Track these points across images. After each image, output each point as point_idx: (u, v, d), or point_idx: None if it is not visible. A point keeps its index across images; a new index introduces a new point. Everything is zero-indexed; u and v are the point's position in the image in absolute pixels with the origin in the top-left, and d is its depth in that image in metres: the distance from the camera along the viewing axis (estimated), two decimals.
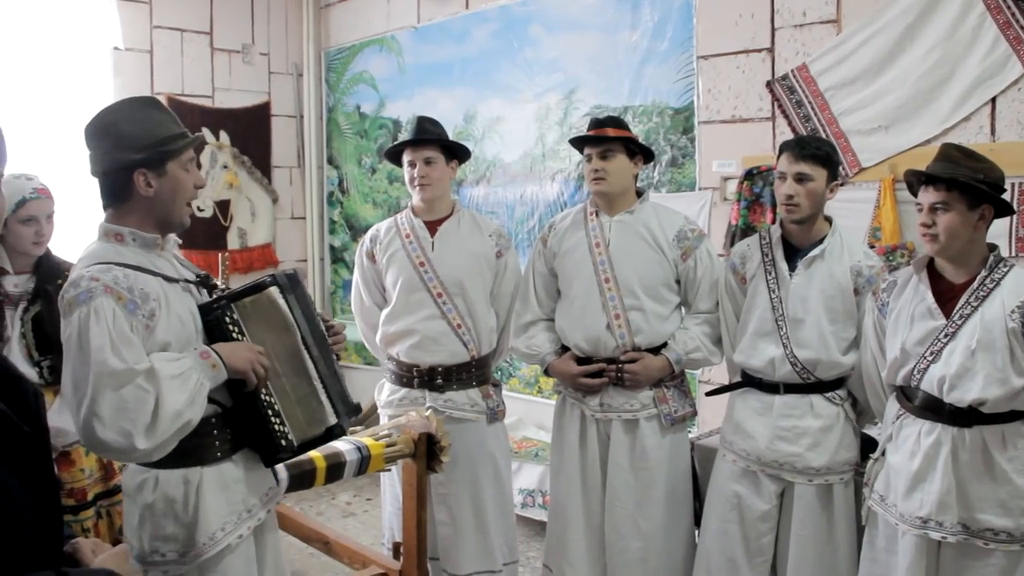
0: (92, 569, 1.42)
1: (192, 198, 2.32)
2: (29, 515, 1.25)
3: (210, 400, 2.19)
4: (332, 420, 2.35)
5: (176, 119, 2.32)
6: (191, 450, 2.21)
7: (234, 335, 2.25)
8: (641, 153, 3.29)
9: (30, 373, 3.01)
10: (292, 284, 2.39)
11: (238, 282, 2.41)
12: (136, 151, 2.18)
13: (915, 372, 2.61)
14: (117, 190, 2.22)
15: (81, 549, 1.46)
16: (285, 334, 2.31)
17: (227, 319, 2.26)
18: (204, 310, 2.27)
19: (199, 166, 2.40)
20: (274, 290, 2.30)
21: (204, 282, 2.36)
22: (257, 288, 2.31)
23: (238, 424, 2.30)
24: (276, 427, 2.28)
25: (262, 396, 2.27)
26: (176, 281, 2.25)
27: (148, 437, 2.02)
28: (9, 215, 2.99)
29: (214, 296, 2.33)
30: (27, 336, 3.03)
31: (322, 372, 2.36)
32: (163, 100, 5.72)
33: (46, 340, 3.04)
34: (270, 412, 2.28)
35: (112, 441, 2.00)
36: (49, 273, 3.11)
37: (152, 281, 2.17)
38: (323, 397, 2.34)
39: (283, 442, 2.29)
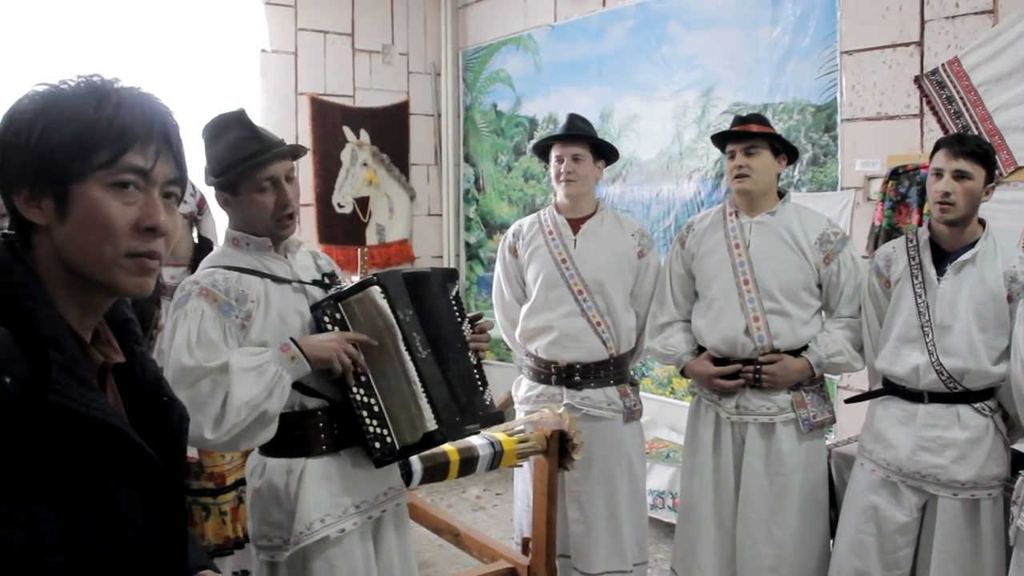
0: None
1: (276, 215, 2.31)
2: (145, 538, 1.22)
3: (317, 394, 2.29)
4: (430, 427, 2.31)
5: (259, 134, 2.32)
6: (297, 441, 2.32)
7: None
8: (785, 152, 3.22)
9: None
10: (423, 283, 2.44)
11: None
12: (214, 175, 2.31)
13: None
14: (218, 204, 2.39)
15: None
16: (387, 334, 2.32)
17: (326, 317, 2.31)
18: (312, 308, 2.35)
19: (289, 180, 2.33)
20: (375, 290, 2.33)
21: (321, 282, 2.41)
22: (361, 287, 2.34)
23: (345, 421, 2.33)
24: (371, 428, 2.29)
25: (356, 394, 2.29)
26: (288, 282, 2.34)
27: (216, 428, 2.14)
28: None
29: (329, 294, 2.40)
30: None
31: (427, 376, 2.34)
32: (306, 100, 5.95)
33: None
34: (365, 413, 2.29)
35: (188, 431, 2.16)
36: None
37: (256, 283, 2.29)
38: (423, 402, 2.31)
39: (377, 444, 2.30)
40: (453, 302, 2.54)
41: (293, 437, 2.31)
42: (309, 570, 2.33)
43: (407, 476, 2.77)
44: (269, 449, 2.32)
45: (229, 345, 2.21)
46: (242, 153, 2.26)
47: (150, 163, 1.18)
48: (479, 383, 2.54)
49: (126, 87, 1.21)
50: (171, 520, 1.29)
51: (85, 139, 1.15)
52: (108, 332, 1.28)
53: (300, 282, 2.37)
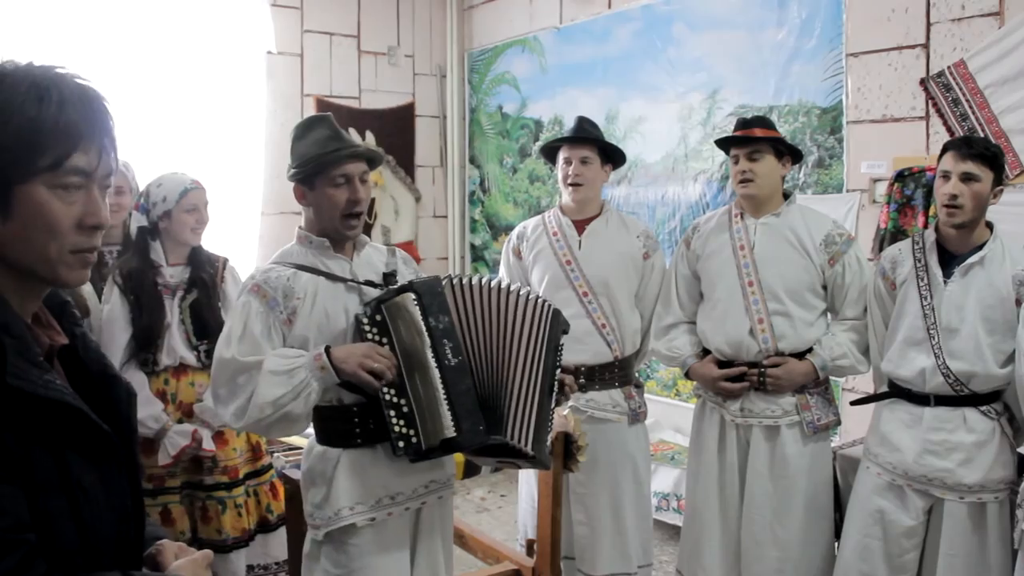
0: (162, 575, 1.38)
1: (346, 211, 2.46)
2: (107, 514, 1.25)
3: (356, 390, 2.37)
4: (448, 433, 2.34)
5: (340, 135, 2.49)
6: (335, 433, 2.45)
7: (368, 334, 2.38)
8: (789, 154, 3.22)
9: (189, 357, 3.22)
10: (483, 294, 2.47)
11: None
12: (296, 167, 2.46)
13: None
14: (295, 198, 2.52)
15: (164, 551, 1.42)
16: (418, 338, 2.38)
17: (365, 319, 2.39)
18: (359, 314, 2.43)
19: (363, 181, 2.48)
20: (408, 296, 2.40)
21: (372, 283, 2.48)
22: (399, 291, 2.42)
23: (379, 417, 2.38)
24: (397, 427, 2.34)
25: (387, 394, 2.35)
26: (343, 280, 2.45)
27: (237, 418, 2.34)
28: (173, 206, 3.24)
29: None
30: (186, 322, 3.24)
31: (452, 383, 2.37)
32: (312, 102, 5.95)
33: (203, 325, 3.24)
34: (392, 412, 2.34)
35: (221, 414, 2.41)
36: (202, 263, 3.34)
37: (308, 280, 2.42)
38: (443, 409, 2.35)
39: (401, 443, 2.34)
40: (559, 348, 2.55)
41: (332, 429, 2.45)
42: (344, 551, 2.45)
43: None
44: (318, 436, 2.49)
45: (272, 338, 2.37)
46: (322, 149, 2.43)
47: (94, 163, 1.20)
48: (548, 423, 2.50)
49: (64, 77, 1.20)
50: (128, 494, 1.32)
51: (28, 141, 1.15)
52: (48, 316, 1.31)
53: (355, 281, 2.48)
